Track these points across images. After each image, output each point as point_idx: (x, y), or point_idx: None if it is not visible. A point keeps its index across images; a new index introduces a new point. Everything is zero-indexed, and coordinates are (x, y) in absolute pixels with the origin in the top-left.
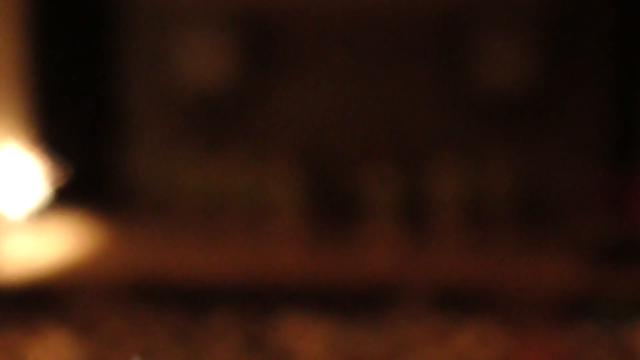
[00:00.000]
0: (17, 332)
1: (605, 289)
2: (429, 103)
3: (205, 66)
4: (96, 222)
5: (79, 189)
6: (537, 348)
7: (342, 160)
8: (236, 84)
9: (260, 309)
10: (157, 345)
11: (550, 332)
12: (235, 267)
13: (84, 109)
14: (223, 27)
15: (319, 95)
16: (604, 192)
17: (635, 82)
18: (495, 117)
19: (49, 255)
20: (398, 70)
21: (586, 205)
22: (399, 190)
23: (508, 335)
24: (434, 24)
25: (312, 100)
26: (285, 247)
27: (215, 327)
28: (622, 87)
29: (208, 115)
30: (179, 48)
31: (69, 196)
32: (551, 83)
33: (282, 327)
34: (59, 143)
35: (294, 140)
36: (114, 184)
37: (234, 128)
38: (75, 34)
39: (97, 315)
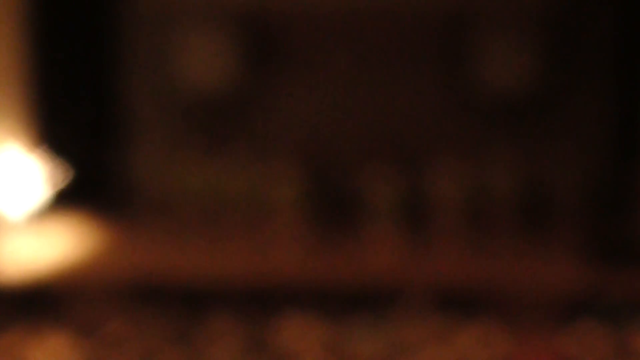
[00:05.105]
0: (18, 333)
1: (606, 290)
2: (431, 105)
3: (207, 68)
4: (97, 224)
5: (80, 190)
6: (539, 348)
7: (343, 161)
8: (237, 85)
9: (262, 310)
10: (157, 347)
11: (552, 332)
12: (236, 269)
13: (86, 110)
14: (224, 29)
15: (320, 96)
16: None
17: (636, 83)
18: (497, 119)
19: (49, 256)
20: (399, 71)
21: (587, 207)
22: (401, 191)
23: (509, 335)
24: (436, 26)
25: (314, 102)
26: (287, 249)
27: (216, 328)
28: (623, 88)
29: (209, 117)
30: (180, 50)
31: (70, 198)
32: (552, 85)
33: (283, 329)
34: (60, 144)
35: (295, 142)
36: (115, 185)
37: (235, 130)
38: (77, 35)
39: (98, 317)
